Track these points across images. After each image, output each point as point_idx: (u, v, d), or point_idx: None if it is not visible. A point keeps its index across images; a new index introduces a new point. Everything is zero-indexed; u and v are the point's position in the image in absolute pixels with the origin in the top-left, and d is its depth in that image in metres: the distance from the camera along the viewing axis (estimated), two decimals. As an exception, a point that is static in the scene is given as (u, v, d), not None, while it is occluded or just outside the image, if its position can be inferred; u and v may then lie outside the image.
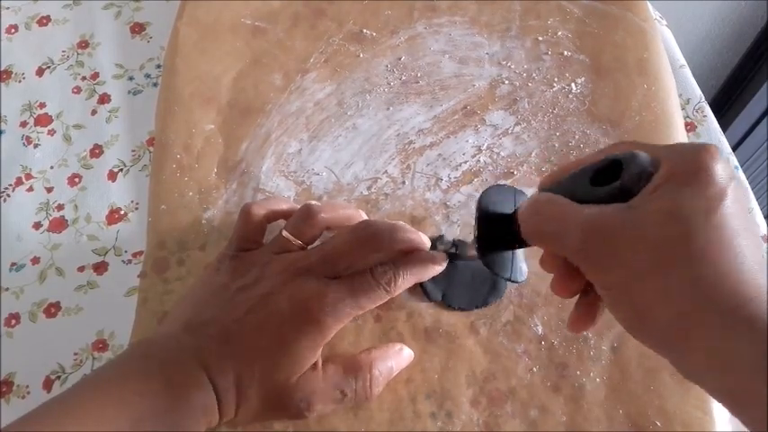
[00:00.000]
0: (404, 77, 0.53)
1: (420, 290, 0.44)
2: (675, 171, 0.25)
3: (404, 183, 0.49)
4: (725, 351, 0.23)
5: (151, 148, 0.53)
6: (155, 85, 0.56)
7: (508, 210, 0.35)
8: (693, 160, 0.25)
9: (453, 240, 0.43)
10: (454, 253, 0.42)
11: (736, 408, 0.24)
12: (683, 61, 0.55)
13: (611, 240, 0.25)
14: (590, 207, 0.27)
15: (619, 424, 0.40)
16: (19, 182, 0.52)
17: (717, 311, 0.23)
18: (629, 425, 0.40)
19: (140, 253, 0.48)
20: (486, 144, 0.50)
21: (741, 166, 0.51)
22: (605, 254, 0.26)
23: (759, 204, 0.49)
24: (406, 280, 0.38)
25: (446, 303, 0.44)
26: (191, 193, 0.49)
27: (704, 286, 0.24)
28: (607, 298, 0.27)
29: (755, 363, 0.22)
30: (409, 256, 0.39)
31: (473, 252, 0.35)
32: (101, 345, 0.46)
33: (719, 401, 0.25)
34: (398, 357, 0.41)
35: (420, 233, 0.39)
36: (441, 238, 0.44)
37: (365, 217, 0.42)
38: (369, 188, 0.49)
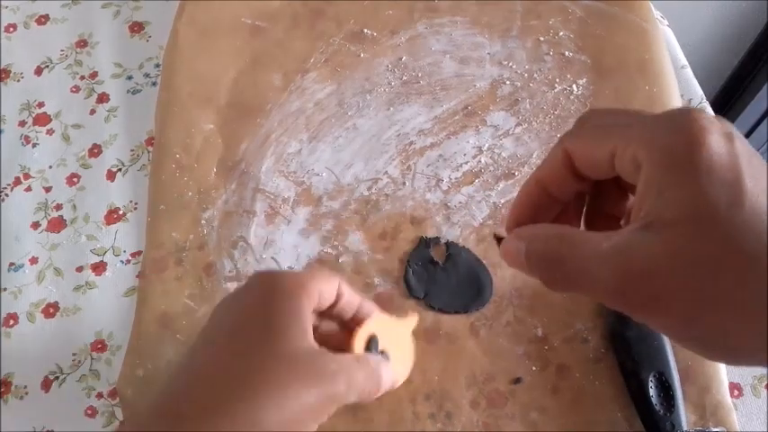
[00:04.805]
0: (404, 77, 0.53)
1: (404, 285, 0.44)
2: (664, 162, 0.22)
3: (404, 183, 0.48)
4: None
5: (150, 148, 0.52)
6: (154, 84, 0.56)
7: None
8: (680, 142, 0.22)
9: (446, 242, 0.46)
10: (447, 254, 0.45)
11: None
12: (684, 62, 0.55)
13: (654, 280, 0.21)
14: (606, 237, 0.23)
15: (618, 426, 0.40)
16: (17, 181, 0.52)
17: None
18: (627, 426, 0.40)
19: (139, 253, 0.48)
20: (486, 145, 0.50)
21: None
22: (651, 296, 0.22)
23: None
24: None
25: (427, 302, 0.44)
26: (190, 193, 0.49)
27: None
28: (665, 333, 0.24)
29: None
30: None
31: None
32: (99, 345, 0.45)
33: None
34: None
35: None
36: (436, 239, 0.46)
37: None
38: (369, 189, 0.48)
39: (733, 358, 0.23)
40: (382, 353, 0.38)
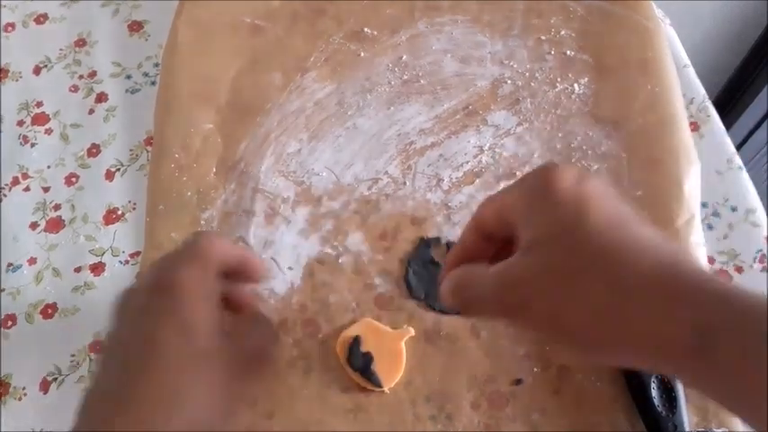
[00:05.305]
0: (405, 77, 0.53)
1: (404, 286, 0.44)
2: (529, 200, 0.28)
3: (405, 183, 0.48)
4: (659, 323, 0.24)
5: (149, 148, 0.52)
6: (153, 83, 0.55)
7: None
8: (538, 186, 0.27)
9: (447, 243, 0.45)
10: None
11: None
12: (686, 61, 0.54)
13: (522, 288, 0.27)
14: (494, 266, 0.28)
15: (620, 427, 0.40)
16: (15, 181, 0.52)
17: (644, 288, 0.24)
18: (629, 427, 0.40)
19: (137, 253, 0.48)
20: (487, 144, 0.49)
21: (745, 165, 0.50)
22: (521, 300, 0.27)
23: (761, 202, 0.49)
24: None
25: (427, 303, 0.44)
26: (189, 193, 0.48)
27: (617, 273, 0.25)
28: (537, 334, 0.29)
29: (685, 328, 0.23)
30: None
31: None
32: (98, 346, 0.45)
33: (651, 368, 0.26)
34: None
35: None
36: (437, 240, 0.45)
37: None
38: (369, 188, 0.48)
39: (606, 356, 0.27)
40: (367, 354, 0.40)
